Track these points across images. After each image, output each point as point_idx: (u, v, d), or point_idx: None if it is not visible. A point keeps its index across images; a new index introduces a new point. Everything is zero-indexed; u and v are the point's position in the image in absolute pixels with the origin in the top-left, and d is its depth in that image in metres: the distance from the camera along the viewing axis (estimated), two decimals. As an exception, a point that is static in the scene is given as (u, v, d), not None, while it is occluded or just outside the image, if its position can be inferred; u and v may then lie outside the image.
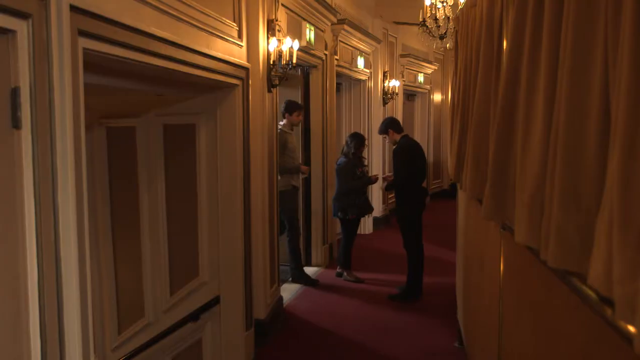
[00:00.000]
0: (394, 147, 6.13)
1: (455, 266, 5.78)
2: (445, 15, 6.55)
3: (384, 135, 6.35)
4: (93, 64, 2.57)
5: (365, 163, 6.86)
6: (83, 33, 2.30)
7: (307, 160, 7.22)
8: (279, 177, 6.05)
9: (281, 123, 6.23)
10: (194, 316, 4.37)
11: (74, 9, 2.20)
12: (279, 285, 5.61)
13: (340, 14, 7.35)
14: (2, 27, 1.84)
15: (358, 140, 6.56)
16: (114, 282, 4.76)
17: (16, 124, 1.93)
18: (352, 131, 9.23)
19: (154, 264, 4.63)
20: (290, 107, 6.45)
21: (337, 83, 8.13)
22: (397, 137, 6.10)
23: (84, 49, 2.34)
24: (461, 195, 4.53)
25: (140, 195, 4.62)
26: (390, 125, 6.20)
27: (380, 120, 9.67)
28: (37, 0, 2.00)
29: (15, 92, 1.92)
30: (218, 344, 4.54)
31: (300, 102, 7.03)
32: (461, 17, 3.81)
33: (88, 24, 2.34)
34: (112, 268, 4.74)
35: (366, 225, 9.43)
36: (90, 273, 2.40)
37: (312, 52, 6.47)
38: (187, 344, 4.52)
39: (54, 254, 2.12)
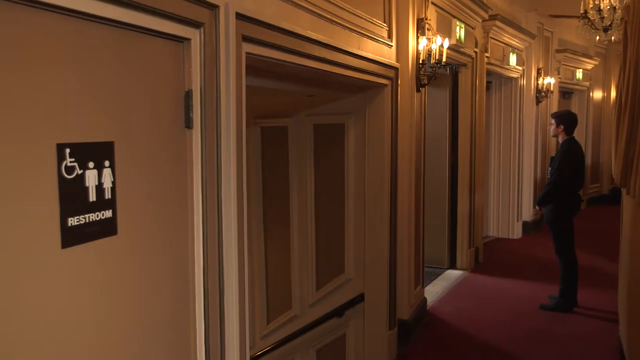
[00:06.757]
0: (560, 147, 5.71)
1: (616, 278, 5.32)
2: (611, 5, 6.02)
3: (553, 121, 5.81)
4: (251, 66, 2.73)
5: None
6: (246, 38, 2.46)
7: (454, 162, 7.06)
8: None
9: None
10: (338, 312, 4.47)
11: (239, 16, 2.36)
12: (423, 287, 5.55)
13: (491, 10, 7.08)
14: (179, 36, 2.02)
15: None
16: (264, 273, 5.02)
17: (188, 124, 2.11)
18: (502, 132, 8.90)
19: (301, 258, 4.81)
20: None
21: (486, 81, 7.85)
22: (564, 137, 5.68)
23: (247, 53, 2.49)
24: (627, 202, 4.15)
25: (291, 192, 4.82)
26: (565, 122, 5.65)
27: (533, 120, 9.22)
28: (209, 10, 2.17)
29: (188, 95, 2.10)
30: (361, 340, 4.61)
31: (447, 101, 6.96)
32: (632, 6, 3.48)
33: (250, 30, 2.49)
34: (263, 260, 5.01)
35: (514, 229, 9.02)
36: (247, 263, 2.55)
37: (462, 50, 6.30)
38: (331, 338, 4.64)
39: (217, 246, 2.28)
